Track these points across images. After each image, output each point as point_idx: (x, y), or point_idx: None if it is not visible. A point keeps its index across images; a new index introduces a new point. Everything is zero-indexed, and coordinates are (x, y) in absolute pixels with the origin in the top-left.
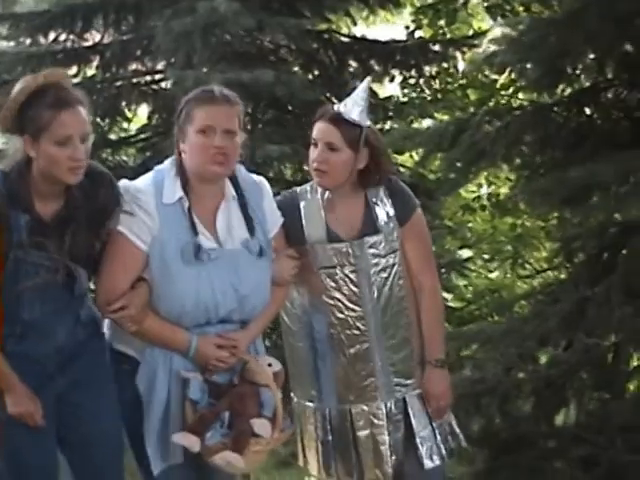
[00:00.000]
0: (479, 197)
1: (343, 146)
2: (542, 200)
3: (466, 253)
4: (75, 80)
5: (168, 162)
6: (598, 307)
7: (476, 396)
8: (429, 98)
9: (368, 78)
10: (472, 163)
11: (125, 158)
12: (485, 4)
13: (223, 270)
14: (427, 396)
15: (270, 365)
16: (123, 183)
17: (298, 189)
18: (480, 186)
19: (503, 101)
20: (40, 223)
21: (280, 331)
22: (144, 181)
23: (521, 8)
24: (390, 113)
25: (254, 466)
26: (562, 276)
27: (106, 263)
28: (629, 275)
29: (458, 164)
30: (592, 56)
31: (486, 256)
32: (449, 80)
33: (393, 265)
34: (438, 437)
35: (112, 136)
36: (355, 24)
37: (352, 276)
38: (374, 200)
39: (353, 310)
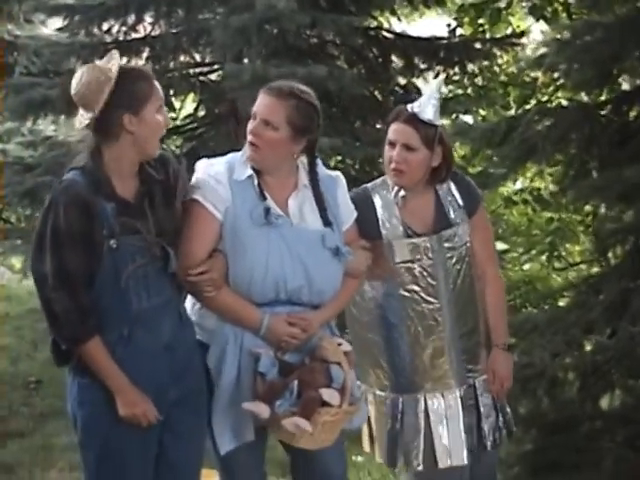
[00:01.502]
0: (522, 191)
1: (420, 146)
2: (597, 195)
3: (501, 246)
4: None
5: (242, 150)
6: None
7: (525, 380)
8: (472, 95)
9: (440, 77)
10: (522, 159)
11: (172, 147)
12: (526, 4)
13: (292, 244)
14: (493, 378)
15: (340, 345)
16: (200, 161)
17: (370, 185)
18: (515, 181)
19: (543, 99)
20: (125, 205)
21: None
22: (218, 160)
23: (561, 9)
24: None
25: (324, 442)
26: (595, 269)
27: (184, 231)
28: None
29: (507, 160)
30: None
31: (521, 249)
32: (491, 78)
33: (465, 256)
34: (500, 420)
35: None
36: (400, 21)
37: (430, 269)
38: (444, 194)
39: (430, 302)
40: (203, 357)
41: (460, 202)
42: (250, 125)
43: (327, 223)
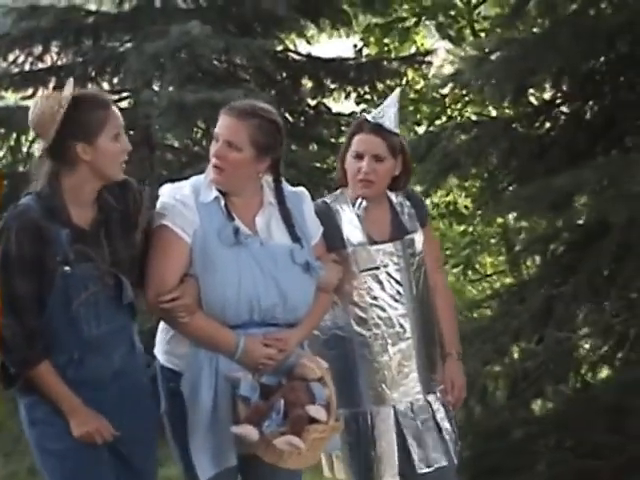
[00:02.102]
0: (437, 205)
1: (387, 155)
2: (526, 206)
3: None
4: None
5: (205, 172)
6: (566, 304)
7: None
8: None
9: (397, 89)
10: (444, 173)
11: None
12: (430, 23)
13: (263, 262)
14: (450, 387)
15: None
16: (164, 186)
17: (328, 198)
18: (429, 196)
19: (453, 115)
20: (80, 233)
21: None
22: (182, 183)
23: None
24: (342, 128)
25: (310, 460)
26: (508, 279)
27: (153, 257)
28: (592, 274)
29: (430, 175)
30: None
31: None
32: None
33: (422, 265)
34: (455, 429)
35: None
36: (309, 44)
37: (396, 275)
38: (397, 204)
39: (396, 309)
40: (169, 384)
41: (411, 210)
42: (213, 147)
43: (295, 239)
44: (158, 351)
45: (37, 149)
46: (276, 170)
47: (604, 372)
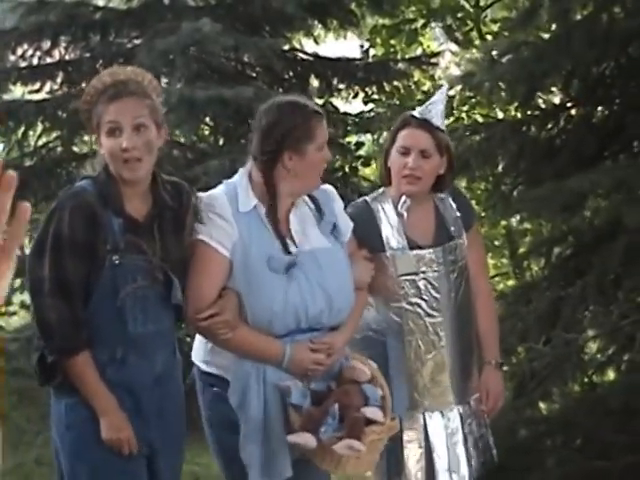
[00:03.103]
0: None
1: (434, 152)
2: (538, 208)
3: None
4: (40, 95)
5: (238, 174)
6: (573, 306)
7: None
8: (389, 114)
9: (445, 86)
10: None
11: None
12: (435, 25)
13: (308, 271)
14: (486, 395)
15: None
16: (202, 194)
17: (368, 197)
18: None
19: (461, 116)
20: (133, 224)
21: None
22: (216, 192)
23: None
24: (349, 128)
25: (369, 464)
26: (510, 282)
27: (191, 274)
28: (600, 277)
29: None
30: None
31: None
32: (408, 96)
33: (464, 270)
34: (491, 438)
35: (76, 150)
36: (317, 43)
37: (434, 282)
38: (443, 206)
39: (433, 316)
40: (212, 389)
41: (458, 215)
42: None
43: (333, 237)
44: (197, 358)
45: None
46: None
47: (611, 374)
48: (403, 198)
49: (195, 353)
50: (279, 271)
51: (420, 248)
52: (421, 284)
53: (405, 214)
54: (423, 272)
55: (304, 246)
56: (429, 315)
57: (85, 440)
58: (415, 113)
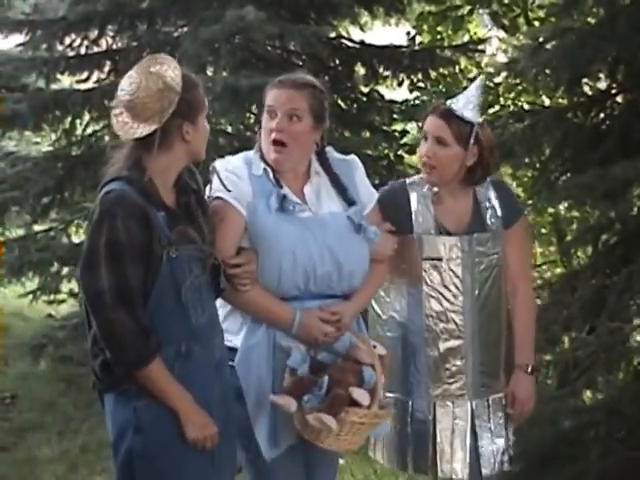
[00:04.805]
0: None
1: (452, 142)
2: (583, 195)
3: None
4: (87, 84)
5: (255, 148)
6: (618, 295)
7: None
8: (434, 101)
9: (481, 77)
10: (499, 162)
11: None
12: (483, 12)
13: (316, 231)
14: (513, 400)
15: (375, 347)
16: (215, 161)
17: (407, 180)
18: None
19: (507, 104)
20: (174, 215)
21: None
22: (234, 157)
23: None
24: (395, 115)
25: (349, 444)
26: (558, 270)
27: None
28: None
29: None
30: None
31: None
32: (453, 84)
33: (495, 266)
34: (511, 441)
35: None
36: (363, 31)
37: (457, 270)
38: (483, 199)
39: (453, 303)
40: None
41: (498, 211)
42: (270, 123)
43: (348, 202)
44: None
45: (126, 131)
46: (323, 139)
47: None
48: (427, 186)
49: None
50: (274, 207)
51: (450, 235)
52: (443, 270)
53: (433, 198)
54: (448, 259)
55: (315, 210)
56: (448, 301)
57: (166, 440)
58: (447, 102)
